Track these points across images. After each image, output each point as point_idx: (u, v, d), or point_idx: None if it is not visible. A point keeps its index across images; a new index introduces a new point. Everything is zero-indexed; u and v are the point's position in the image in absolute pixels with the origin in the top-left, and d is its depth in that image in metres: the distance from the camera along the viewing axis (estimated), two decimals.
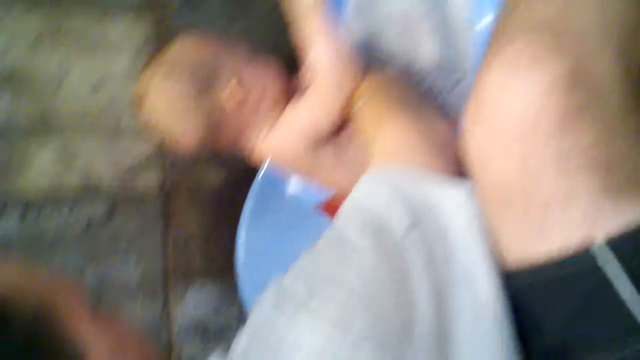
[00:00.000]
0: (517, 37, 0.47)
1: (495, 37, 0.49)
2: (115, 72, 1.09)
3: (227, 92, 0.78)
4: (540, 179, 0.46)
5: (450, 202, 0.51)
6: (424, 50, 0.83)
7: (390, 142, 0.61)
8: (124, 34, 1.09)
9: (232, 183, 1.11)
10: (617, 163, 0.45)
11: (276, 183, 0.99)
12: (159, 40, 1.10)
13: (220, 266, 1.17)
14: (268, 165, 0.98)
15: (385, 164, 0.58)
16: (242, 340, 0.47)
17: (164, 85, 0.78)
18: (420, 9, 0.83)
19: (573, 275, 0.45)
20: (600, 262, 0.44)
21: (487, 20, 0.67)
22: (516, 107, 0.46)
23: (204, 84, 0.77)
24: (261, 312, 0.47)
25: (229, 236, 1.15)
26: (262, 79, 0.81)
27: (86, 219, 1.10)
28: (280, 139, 0.79)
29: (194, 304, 1.17)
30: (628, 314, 0.44)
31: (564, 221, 0.46)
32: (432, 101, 0.76)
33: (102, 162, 1.10)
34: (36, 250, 1.08)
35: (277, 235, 1.00)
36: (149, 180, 1.13)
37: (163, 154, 1.13)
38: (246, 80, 0.79)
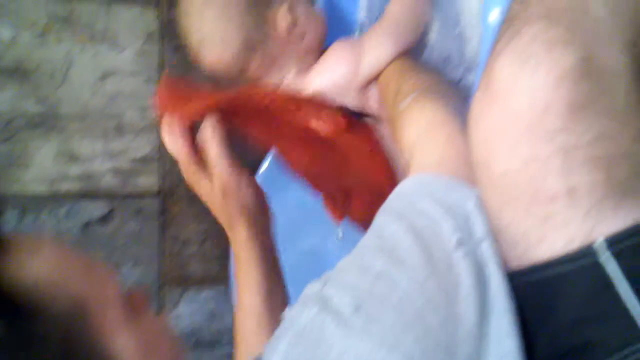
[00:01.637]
0: (527, 26, 0.46)
1: (506, 27, 0.49)
2: (119, 66, 1.09)
3: (277, 14, 0.76)
4: (545, 175, 0.45)
5: (480, 225, 0.50)
6: (431, 42, 0.83)
7: (437, 150, 0.59)
8: (130, 27, 1.09)
9: None
10: (620, 159, 0.43)
11: (275, 187, 0.98)
12: (164, 36, 1.10)
13: (216, 272, 1.16)
14: (265, 169, 0.98)
15: (432, 171, 0.56)
16: (282, 344, 0.44)
17: None
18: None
19: (575, 272, 0.44)
20: (602, 259, 0.43)
21: (495, 13, 0.66)
22: (524, 101, 0.45)
23: None
24: (304, 317, 0.45)
25: (225, 241, 1.14)
26: (310, 19, 0.79)
27: (83, 222, 1.10)
28: (323, 73, 0.78)
29: (189, 310, 1.16)
30: (628, 315, 0.43)
31: (568, 218, 0.44)
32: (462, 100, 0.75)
33: (102, 162, 1.09)
34: None
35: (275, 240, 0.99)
36: (148, 182, 1.12)
37: (163, 156, 1.12)
38: (298, 11, 0.77)
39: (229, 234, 0.75)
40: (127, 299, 0.48)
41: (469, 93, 0.76)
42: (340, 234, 0.99)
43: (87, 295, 0.44)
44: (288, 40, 0.77)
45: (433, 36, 0.83)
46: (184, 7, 0.77)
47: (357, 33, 0.96)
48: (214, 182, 0.72)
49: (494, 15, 0.66)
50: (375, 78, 0.76)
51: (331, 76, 0.77)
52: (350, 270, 0.48)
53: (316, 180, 0.80)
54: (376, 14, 0.95)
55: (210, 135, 0.72)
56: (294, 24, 0.76)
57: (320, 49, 0.81)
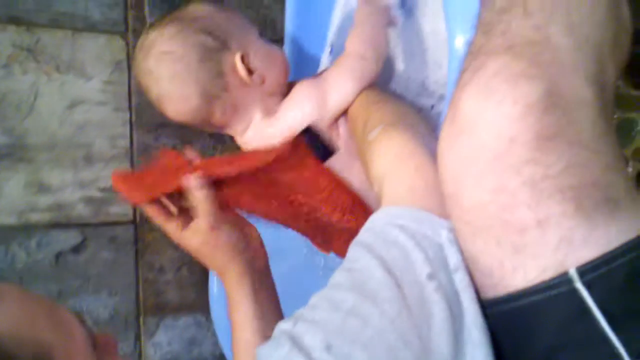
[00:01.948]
0: (491, 60, 0.47)
1: (470, 59, 0.49)
2: (87, 95, 1.08)
3: (230, 66, 0.75)
4: (514, 206, 0.45)
5: (453, 256, 0.50)
6: (402, 70, 0.83)
7: (406, 181, 0.58)
8: (97, 56, 1.08)
9: None
10: (590, 188, 0.44)
11: None
12: (131, 65, 1.09)
13: (193, 299, 1.15)
14: None
15: (401, 203, 0.56)
16: None
17: (168, 44, 0.74)
18: (396, 31, 0.84)
19: (551, 300, 0.44)
20: (578, 285, 0.43)
21: (460, 40, 0.66)
22: (489, 134, 0.46)
23: (210, 51, 0.74)
24: (275, 357, 0.45)
25: (202, 268, 1.13)
26: (268, 62, 0.78)
27: (56, 252, 1.08)
28: (290, 113, 0.77)
29: (167, 338, 1.15)
30: (606, 340, 0.43)
31: (539, 248, 0.44)
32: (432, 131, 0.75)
33: (72, 191, 1.08)
34: None
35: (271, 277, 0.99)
36: (120, 210, 1.11)
37: None
38: (252, 59, 0.77)
39: (221, 277, 0.74)
40: (95, 343, 0.47)
41: (439, 121, 0.77)
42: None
43: (52, 344, 0.43)
44: (248, 87, 0.77)
45: (403, 64, 0.83)
46: (138, 67, 0.77)
47: (327, 57, 0.97)
48: (201, 225, 0.70)
49: (460, 42, 0.66)
50: (343, 113, 0.76)
51: (299, 115, 0.77)
52: (322, 307, 0.48)
53: (291, 224, 0.80)
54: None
55: (197, 189, 0.70)
56: (250, 71, 0.76)
57: (285, 87, 0.81)
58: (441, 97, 0.79)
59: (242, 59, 0.75)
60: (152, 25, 0.77)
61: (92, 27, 1.07)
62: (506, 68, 0.46)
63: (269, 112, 0.78)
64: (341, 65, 0.77)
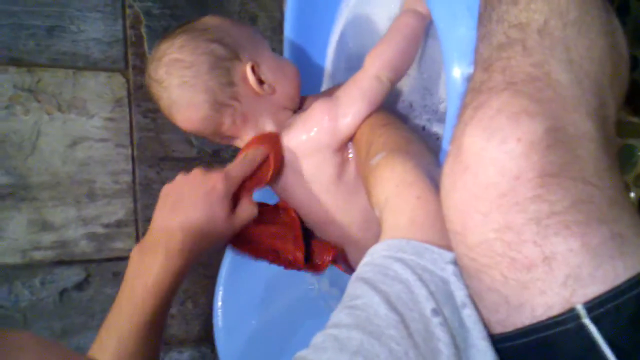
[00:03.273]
0: (493, 97, 0.47)
1: (471, 97, 0.49)
2: (89, 133, 1.09)
3: (241, 75, 0.76)
4: (520, 244, 0.45)
5: (460, 292, 0.50)
6: (404, 86, 0.83)
7: (406, 213, 0.57)
8: (98, 94, 1.09)
9: None
10: (595, 224, 0.44)
11: None
12: (132, 101, 1.10)
13: (197, 332, 1.15)
14: None
15: (402, 235, 0.55)
16: None
17: (178, 53, 0.74)
18: None
19: (560, 335, 0.44)
20: (585, 321, 0.43)
21: (457, 71, 0.66)
22: (493, 172, 0.46)
23: (220, 59, 0.75)
24: None
25: (206, 301, 1.13)
26: (279, 74, 0.79)
27: (60, 289, 1.08)
28: (301, 134, 0.77)
29: None
30: None
31: (546, 285, 0.44)
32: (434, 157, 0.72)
33: (75, 228, 1.08)
34: (8, 326, 1.04)
35: (254, 299, 0.99)
36: (124, 245, 1.11)
37: (137, 218, 1.11)
38: (263, 69, 0.77)
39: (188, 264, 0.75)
40: None
41: (436, 144, 0.77)
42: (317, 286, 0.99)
43: None
44: (259, 97, 0.77)
45: (404, 86, 0.84)
46: (149, 76, 0.77)
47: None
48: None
49: (457, 72, 0.66)
50: (352, 136, 0.76)
51: (309, 137, 0.76)
52: (327, 347, 0.47)
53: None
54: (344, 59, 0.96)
55: None
56: (261, 82, 0.76)
57: (297, 100, 0.81)
58: (429, 120, 0.79)
59: (253, 69, 0.76)
60: (163, 38, 0.77)
61: (92, 65, 1.08)
62: (508, 105, 0.46)
63: (280, 125, 0.79)
64: (355, 87, 0.76)
